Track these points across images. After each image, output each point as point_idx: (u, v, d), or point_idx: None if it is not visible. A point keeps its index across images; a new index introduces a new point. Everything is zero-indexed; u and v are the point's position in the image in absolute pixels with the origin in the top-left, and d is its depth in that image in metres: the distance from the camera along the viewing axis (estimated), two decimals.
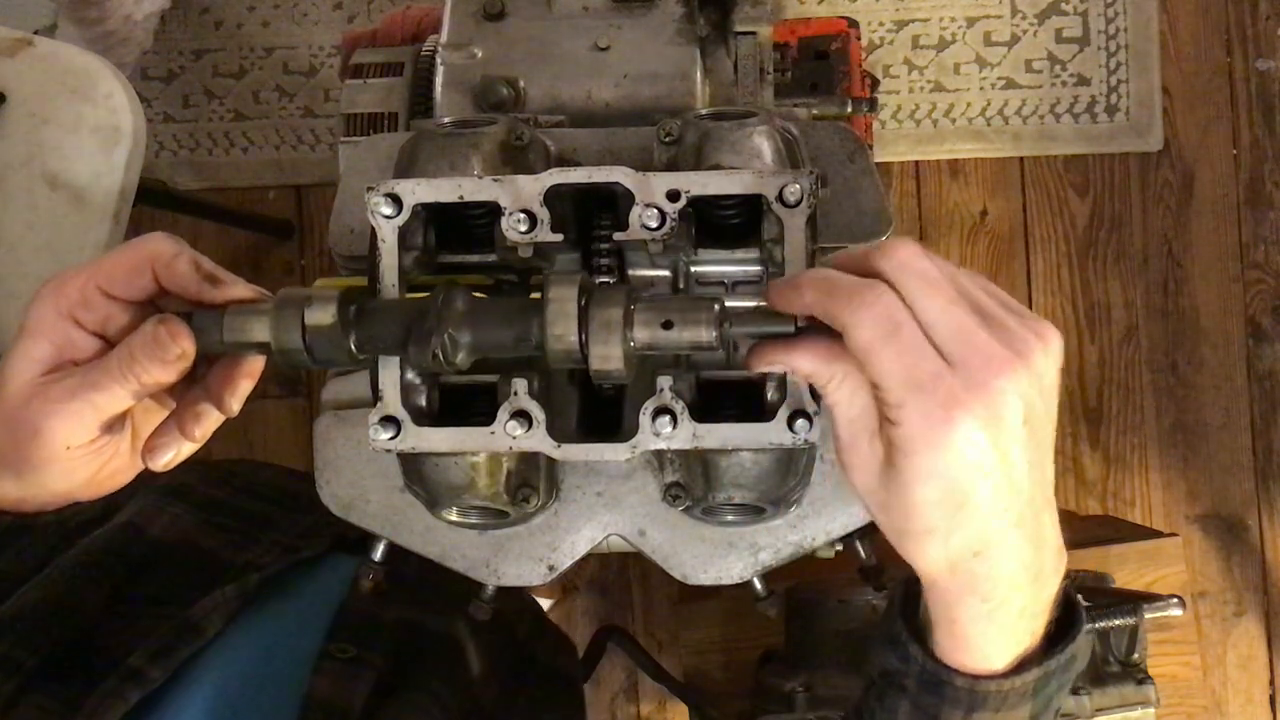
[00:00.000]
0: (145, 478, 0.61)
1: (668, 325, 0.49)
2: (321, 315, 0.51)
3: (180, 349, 0.53)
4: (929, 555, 0.48)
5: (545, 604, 1.72)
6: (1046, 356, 0.47)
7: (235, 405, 0.57)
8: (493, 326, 0.51)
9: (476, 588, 0.64)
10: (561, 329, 0.49)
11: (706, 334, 0.49)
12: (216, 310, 0.54)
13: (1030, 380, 0.46)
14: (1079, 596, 0.56)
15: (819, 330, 0.48)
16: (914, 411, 0.45)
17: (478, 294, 0.53)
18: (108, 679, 0.60)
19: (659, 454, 0.60)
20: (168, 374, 0.53)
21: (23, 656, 0.60)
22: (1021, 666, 0.52)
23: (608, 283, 0.56)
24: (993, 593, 0.49)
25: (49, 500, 0.58)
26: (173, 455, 0.57)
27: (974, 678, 0.51)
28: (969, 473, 0.45)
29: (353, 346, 0.52)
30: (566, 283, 0.50)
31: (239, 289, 0.54)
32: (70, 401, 0.53)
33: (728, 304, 0.50)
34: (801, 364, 0.49)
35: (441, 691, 0.70)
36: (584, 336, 0.49)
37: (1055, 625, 0.53)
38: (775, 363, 0.50)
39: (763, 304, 0.50)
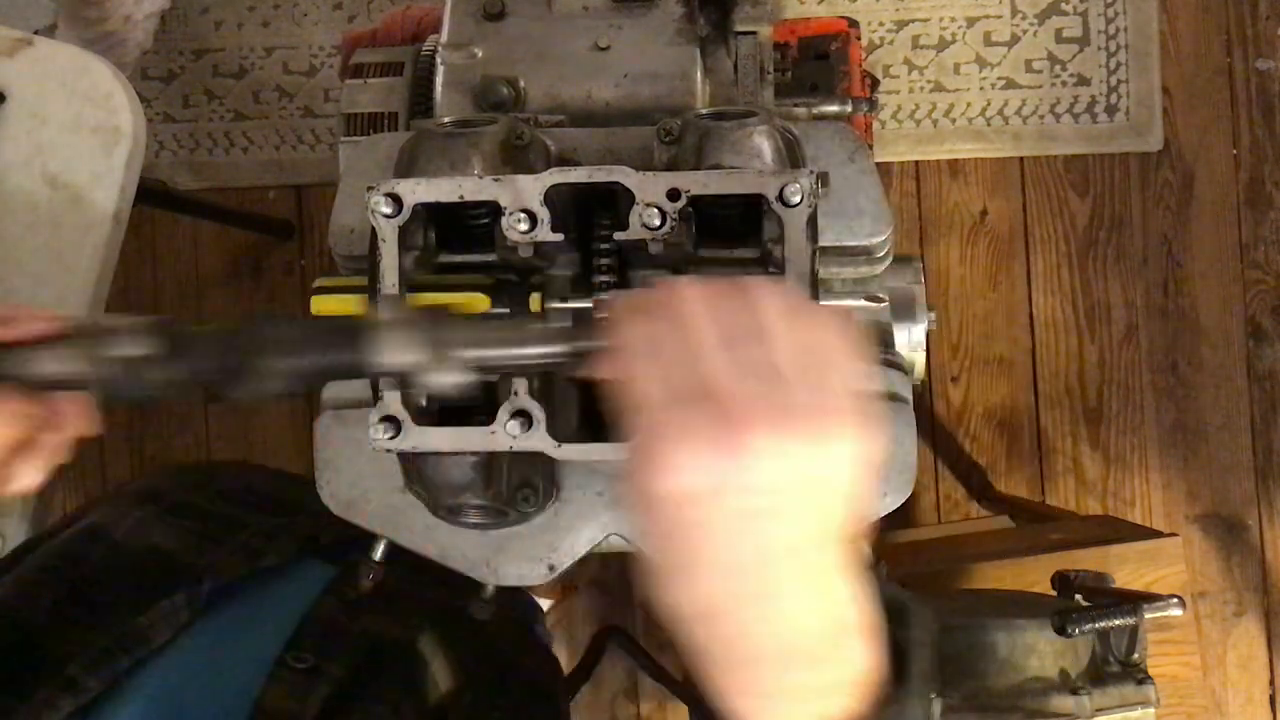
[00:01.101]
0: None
1: (506, 343, 0.49)
2: (130, 348, 0.49)
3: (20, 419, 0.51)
4: (662, 597, 0.45)
5: (545, 604, 1.72)
6: (815, 442, 0.41)
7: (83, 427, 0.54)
8: (313, 354, 0.49)
9: (476, 587, 0.64)
10: (394, 354, 0.48)
11: (545, 351, 0.49)
12: (18, 347, 0.51)
13: (779, 452, 0.41)
14: (912, 683, 0.51)
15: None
16: (638, 430, 0.42)
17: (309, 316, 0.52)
18: (43, 688, 0.59)
19: None
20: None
21: None
22: None
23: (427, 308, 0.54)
24: (738, 665, 0.45)
25: None
26: (29, 481, 0.54)
27: None
28: (672, 521, 0.42)
29: (166, 379, 0.49)
30: (394, 306, 0.49)
31: (35, 326, 0.51)
32: None
33: (555, 324, 0.50)
34: (603, 374, 0.48)
35: (401, 704, 0.69)
36: (416, 360, 0.48)
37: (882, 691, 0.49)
38: (588, 372, 0.49)
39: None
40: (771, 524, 0.42)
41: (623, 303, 0.47)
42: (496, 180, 0.53)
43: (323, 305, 0.64)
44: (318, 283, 0.66)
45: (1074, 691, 1.03)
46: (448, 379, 0.48)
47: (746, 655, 0.45)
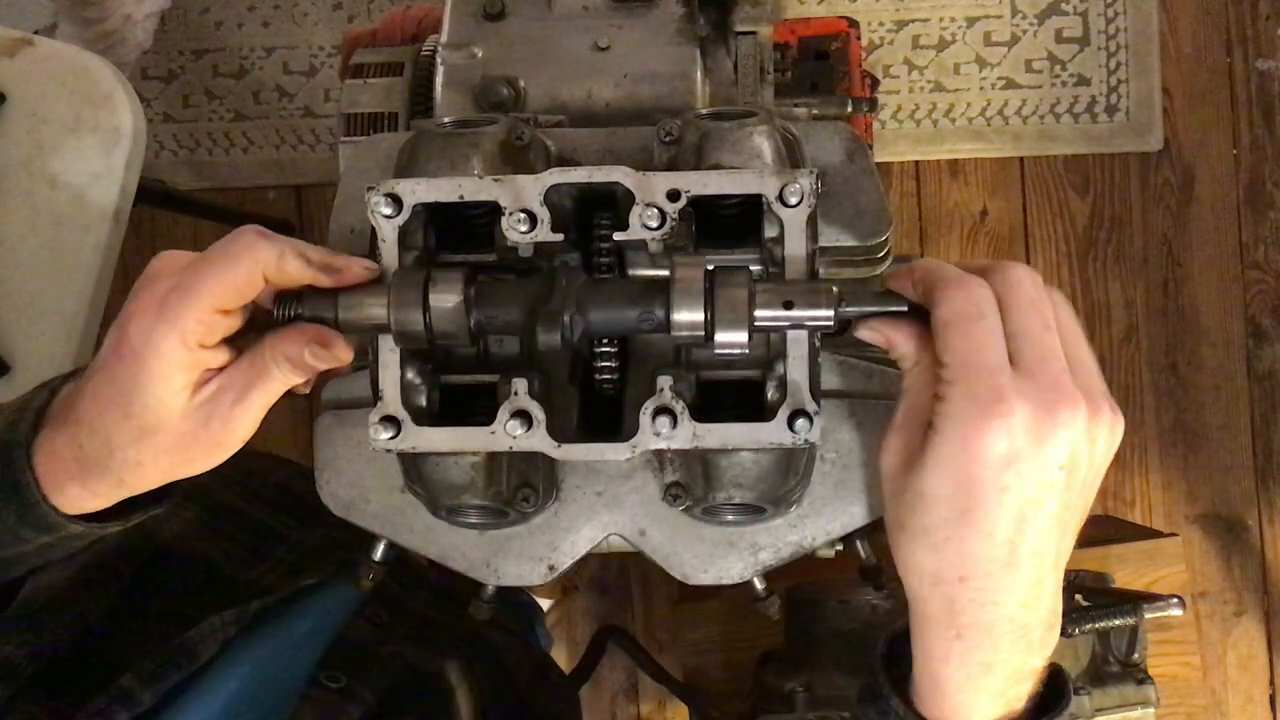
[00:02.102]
0: None
1: (789, 305, 0.50)
2: (447, 295, 0.51)
3: (340, 359, 0.54)
4: (917, 559, 0.48)
5: (545, 604, 1.72)
6: (1110, 432, 0.47)
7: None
8: (617, 307, 0.52)
9: (476, 588, 0.64)
10: (689, 309, 0.50)
11: (825, 312, 0.50)
12: (344, 292, 0.54)
13: (1087, 435, 0.46)
14: (1070, 680, 0.55)
15: (924, 318, 0.50)
16: (961, 391, 0.45)
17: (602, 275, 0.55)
18: (98, 697, 0.60)
19: (659, 454, 0.60)
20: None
21: (21, 661, 0.60)
22: None
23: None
24: (968, 631, 0.48)
25: None
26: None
27: None
28: (984, 476, 0.45)
29: (471, 326, 0.52)
30: (692, 264, 0.51)
31: (353, 271, 0.53)
32: (250, 408, 0.53)
33: (842, 285, 0.51)
34: (896, 339, 0.50)
35: None
36: (710, 315, 0.50)
37: (1040, 700, 0.53)
38: (876, 335, 0.51)
39: (874, 285, 0.53)
40: (1052, 498, 0.46)
41: (930, 271, 0.49)
42: (496, 180, 0.53)
43: None
44: None
45: (1074, 692, 1.03)
46: (733, 337, 0.50)
47: (977, 622, 0.48)
